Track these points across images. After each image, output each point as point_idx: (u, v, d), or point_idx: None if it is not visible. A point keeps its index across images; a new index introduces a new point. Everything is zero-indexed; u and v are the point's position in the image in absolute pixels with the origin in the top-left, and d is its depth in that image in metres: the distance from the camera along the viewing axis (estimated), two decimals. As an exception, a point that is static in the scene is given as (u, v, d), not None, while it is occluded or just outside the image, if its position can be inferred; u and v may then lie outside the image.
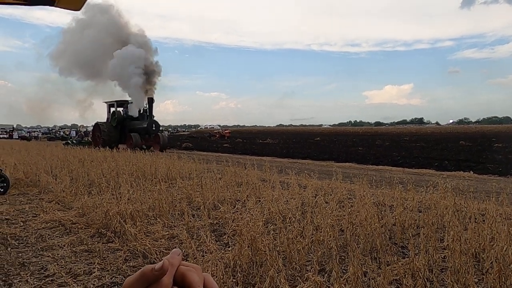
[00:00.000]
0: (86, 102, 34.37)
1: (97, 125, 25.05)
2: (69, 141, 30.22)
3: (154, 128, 22.45)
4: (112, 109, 24.85)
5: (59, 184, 8.20)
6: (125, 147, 20.81)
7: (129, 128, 23.38)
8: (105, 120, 25.42)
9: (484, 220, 4.56)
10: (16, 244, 4.74)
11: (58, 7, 0.85)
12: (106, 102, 25.88)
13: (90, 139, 29.76)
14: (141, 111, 24.01)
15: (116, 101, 25.03)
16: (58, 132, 60.88)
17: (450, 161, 14.70)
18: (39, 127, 77.14)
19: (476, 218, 4.70)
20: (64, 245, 4.60)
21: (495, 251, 3.29)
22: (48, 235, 5.10)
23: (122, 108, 25.03)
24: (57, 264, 4.00)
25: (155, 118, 22.98)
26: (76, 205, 6.39)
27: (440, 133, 53.05)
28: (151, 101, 23.09)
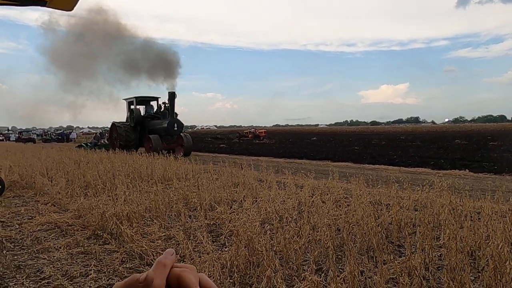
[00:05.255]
0: (78, 104, 33.71)
1: (113, 126, 21.92)
2: (83, 144, 27.36)
3: (176, 129, 19.12)
4: (132, 107, 21.61)
5: (55, 186, 8.16)
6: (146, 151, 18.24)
7: (149, 129, 20.25)
8: (123, 120, 22.41)
9: (479, 218, 4.58)
10: (12, 246, 4.70)
11: (50, 7, 0.85)
12: (125, 99, 22.76)
13: (106, 141, 27.04)
14: (162, 109, 21.16)
15: (135, 97, 21.71)
16: (54, 134, 60.61)
17: (446, 160, 14.74)
18: (35, 128, 76.83)
19: (471, 216, 4.72)
20: (60, 247, 4.58)
21: (490, 248, 3.30)
22: (44, 237, 5.07)
23: (143, 106, 22.12)
24: (53, 267, 3.98)
25: (178, 117, 19.79)
26: (72, 207, 6.36)
27: (436, 132, 53.27)
28: (172, 96, 19.51)
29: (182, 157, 14.68)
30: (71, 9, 0.83)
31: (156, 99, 22.32)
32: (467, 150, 19.87)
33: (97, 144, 26.91)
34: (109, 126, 23.49)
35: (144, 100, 22.26)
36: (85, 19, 25.93)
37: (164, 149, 18.51)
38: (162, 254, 0.52)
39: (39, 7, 0.89)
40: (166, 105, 20.61)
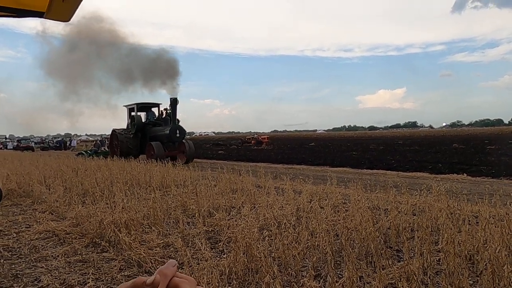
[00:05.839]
0: (76, 112, 33.66)
1: (114, 133, 21.63)
2: (83, 152, 27.10)
3: (178, 135, 18.76)
4: (132, 114, 21.34)
5: (53, 194, 8.13)
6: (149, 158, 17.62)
7: (150, 136, 20.04)
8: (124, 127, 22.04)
9: (477, 222, 4.59)
10: (9, 255, 4.68)
11: (47, 18, 0.86)
12: (126, 106, 22.39)
13: (106, 149, 26.76)
14: (164, 115, 20.83)
15: (136, 104, 21.30)
16: (51, 142, 60.50)
17: (444, 164, 14.79)
18: (33, 136, 76.76)
19: (469, 220, 4.73)
20: (57, 256, 4.56)
21: (488, 252, 3.31)
22: (42, 245, 5.04)
23: (144, 113, 21.88)
24: (51, 275, 3.96)
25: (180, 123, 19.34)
26: (70, 215, 6.33)
27: (434, 136, 53.45)
28: (174, 102, 19.02)
29: (181, 164, 14.63)
30: (68, 20, 0.85)
31: (157, 105, 22.01)
32: (464, 154, 19.94)
33: (97, 151, 26.51)
34: (108, 133, 23.48)
35: (145, 107, 21.90)
36: (81, 26, 25.86)
37: (166, 157, 18.26)
38: (165, 264, 0.54)
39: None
40: (168, 111, 20.28)
